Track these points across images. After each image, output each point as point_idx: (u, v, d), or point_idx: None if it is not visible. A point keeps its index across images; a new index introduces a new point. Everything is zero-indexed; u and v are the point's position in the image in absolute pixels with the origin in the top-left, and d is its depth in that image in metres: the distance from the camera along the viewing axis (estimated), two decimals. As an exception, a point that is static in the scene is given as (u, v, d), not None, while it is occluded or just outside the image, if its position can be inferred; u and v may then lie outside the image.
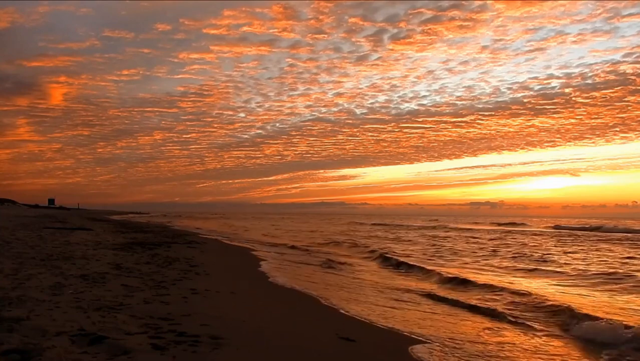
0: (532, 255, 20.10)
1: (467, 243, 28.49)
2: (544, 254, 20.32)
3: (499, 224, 64.40)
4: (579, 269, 15.04)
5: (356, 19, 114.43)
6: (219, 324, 5.83)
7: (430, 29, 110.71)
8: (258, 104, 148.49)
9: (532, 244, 27.41)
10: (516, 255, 20.22)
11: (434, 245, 26.14)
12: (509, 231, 44.82)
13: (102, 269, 9.92)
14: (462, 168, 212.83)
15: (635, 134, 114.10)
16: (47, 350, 4.23)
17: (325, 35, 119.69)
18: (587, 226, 54.21)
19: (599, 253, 21.63)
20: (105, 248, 15.02)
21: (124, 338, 4.77)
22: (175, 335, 5.12)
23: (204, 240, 23.35)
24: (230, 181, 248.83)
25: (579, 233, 42.66)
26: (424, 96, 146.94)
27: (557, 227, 55.47)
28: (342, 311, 8.21)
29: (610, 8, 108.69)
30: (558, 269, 15.23)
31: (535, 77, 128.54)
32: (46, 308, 5.85)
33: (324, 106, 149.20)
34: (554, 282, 12.81)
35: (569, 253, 21.63)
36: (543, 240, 31.17)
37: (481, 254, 20.93)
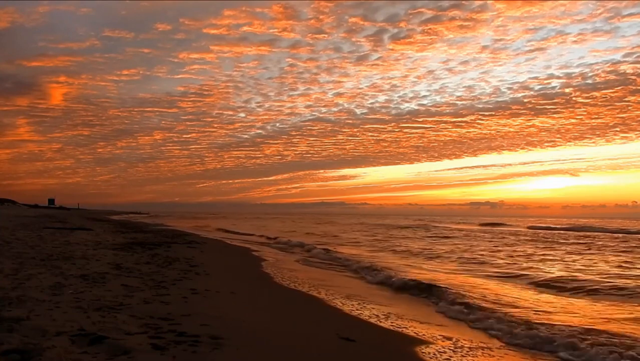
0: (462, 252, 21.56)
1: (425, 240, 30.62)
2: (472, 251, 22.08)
3: (482, 224, 66.32)
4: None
5: (356, 19, 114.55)
6: (219, 324, 5.82)
7: (430, 28, 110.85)
8: (258, 104, 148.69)
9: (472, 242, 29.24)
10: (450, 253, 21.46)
11: (389, 244, 27.62)
12: (476, 230, 46.90)
13: (102, 269, 9.91)
14: (462, 168, 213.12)
15: (636, 134, 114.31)
16: (47, 350, 4.23)
17: (326, 35, 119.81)
18: (559, 226, 57.06)
19: (527, 251, 22.72)
20: (105, 248, 15.01)
21: (124, 338, 4.76)
22: (175, 335, 5.12)
23: (204, 240, 23.35)
24: (230, 181, 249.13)
25: (545, 232, 45.02)
26: (424, 96, 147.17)
27: (530, 227, 57.21)
28: (345, 311, 8.22)
29: (610, 8, 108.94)
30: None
31: (536, 77, 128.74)
32: (46, 308, 5.84)
33: (324, 106, 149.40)
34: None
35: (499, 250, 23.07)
36: (488, 239, 32.97)
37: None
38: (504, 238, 34.16)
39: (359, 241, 28.02)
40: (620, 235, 38.08)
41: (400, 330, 7.15)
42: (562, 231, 46.17)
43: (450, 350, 6.15)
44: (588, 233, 41.59)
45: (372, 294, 10.53)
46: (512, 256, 19.66)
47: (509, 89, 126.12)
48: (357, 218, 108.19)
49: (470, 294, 10.06)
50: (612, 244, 27.48)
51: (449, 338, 6.77)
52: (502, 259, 18.64)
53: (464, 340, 6.76)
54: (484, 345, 6.58)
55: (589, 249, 24.27)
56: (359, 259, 17.00)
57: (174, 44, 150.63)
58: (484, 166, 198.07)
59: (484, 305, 9.01)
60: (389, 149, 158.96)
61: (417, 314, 8.58)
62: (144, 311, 6.13)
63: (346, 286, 11.49)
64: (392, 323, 7.57)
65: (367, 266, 14.82)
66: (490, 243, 27.96)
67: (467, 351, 6.14)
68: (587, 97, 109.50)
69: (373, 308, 8.68)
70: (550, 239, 32.27)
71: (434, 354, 5.90)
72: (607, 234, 40.08)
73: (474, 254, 20.59)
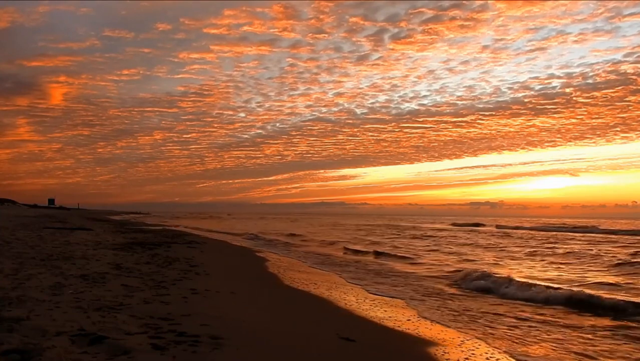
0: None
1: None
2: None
3: (453, 224, 68.78)
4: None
5: (357, 19, 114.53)
6: (219, 324, 5.82)
7: (431, 28, 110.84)
8: (258, 104, 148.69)
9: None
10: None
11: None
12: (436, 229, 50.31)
13: (102, 269, 9.91)
14: (462, 168, 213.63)
15: (636, 134, 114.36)
16: (47, 350, 4.23)
17: (326, 35, 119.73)
18: (526, 226, 60.78)
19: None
20: (105, 248, 15.01)
21: (124, 338, 4.76)
22: (175, 335, 5.11)
23: (204, 240, 23.35)
24: (230, 181, 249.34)
25: (497, 230, 49.51)
26: (425, 96, 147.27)
27: (498, 226, 60.68)
28: (345, 311, 8.22)
29: (611, 8, 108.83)
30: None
31: (536, 77, 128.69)
32: (46, 308, 5.84)
33: (325, 106, 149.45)
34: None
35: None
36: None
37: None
38: (447, 236, 37.10)
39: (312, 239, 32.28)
40: (578, 234, 40.98)
41: (400, 329, 7.16)
42: (519, 230, 49.67)
43: (461, 351, 6.16)
44: (542, 232, 45.09)
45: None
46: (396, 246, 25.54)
47: (510, 89, 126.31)
48: (337, 218, 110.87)
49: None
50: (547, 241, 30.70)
51: (447, 339, 6.78)
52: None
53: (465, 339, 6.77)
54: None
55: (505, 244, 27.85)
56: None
57: (174, 43, 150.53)
58: (484, 166, 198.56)
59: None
60: (389, 149, 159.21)
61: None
62: (144, 311, 6.13)
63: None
64: (393, 322, 7.58)
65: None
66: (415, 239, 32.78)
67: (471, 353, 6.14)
68: (587, 97, 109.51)
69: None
70: (479, 238, 34.63)
71: (435, 354, 5.90)
72: (565, 233, 43.67)
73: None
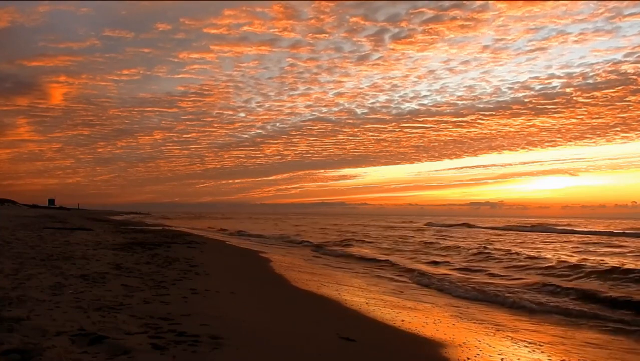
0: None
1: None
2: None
3: (426, 224, 70.27)
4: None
5: (357, 19, 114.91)
6: (219, 324, 5.82)
7: (431, 28, 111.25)
8: (258, 104, 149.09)
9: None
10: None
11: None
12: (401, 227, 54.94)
13: (102, 269, 9.91)
14: (462, 168, 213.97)
15: (636, 134, 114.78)
16: (47, 350, 4.23)
17: (326, 35, 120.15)
18: (498, 225, 62.15)
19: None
20: (105, 248, 15.01)
21: (124, 338, 4.76)
22: (175, 335, 5.11)
23: (204, 240, 23.35)
24: (230, 181, 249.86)
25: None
26: (425, 96, 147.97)
27: (467, 225, 63.00)
28: (345, 311, 8.22)
29: (612, 7, 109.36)
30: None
31: (537, 77, 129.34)
32: (46, 308, 5.84)
33: (325, 106, 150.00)
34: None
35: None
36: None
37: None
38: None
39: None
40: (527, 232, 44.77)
41: (400, 329, 7.15)
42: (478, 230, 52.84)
43: (462, 351, 6.15)
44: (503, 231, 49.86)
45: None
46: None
47: (510, 88, 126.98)
48: (326, 218, 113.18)
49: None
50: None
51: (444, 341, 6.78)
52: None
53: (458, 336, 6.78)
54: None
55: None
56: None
57: (174, 43, 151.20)
58: (484, 166, 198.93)
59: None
60: (389, 149, 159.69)
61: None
62: (144, 311, 6.13)
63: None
64: (393, 322, 7.58)
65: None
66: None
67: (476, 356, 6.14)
68: (588, 97, 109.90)
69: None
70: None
71: (436, 354, 5.90)
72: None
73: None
